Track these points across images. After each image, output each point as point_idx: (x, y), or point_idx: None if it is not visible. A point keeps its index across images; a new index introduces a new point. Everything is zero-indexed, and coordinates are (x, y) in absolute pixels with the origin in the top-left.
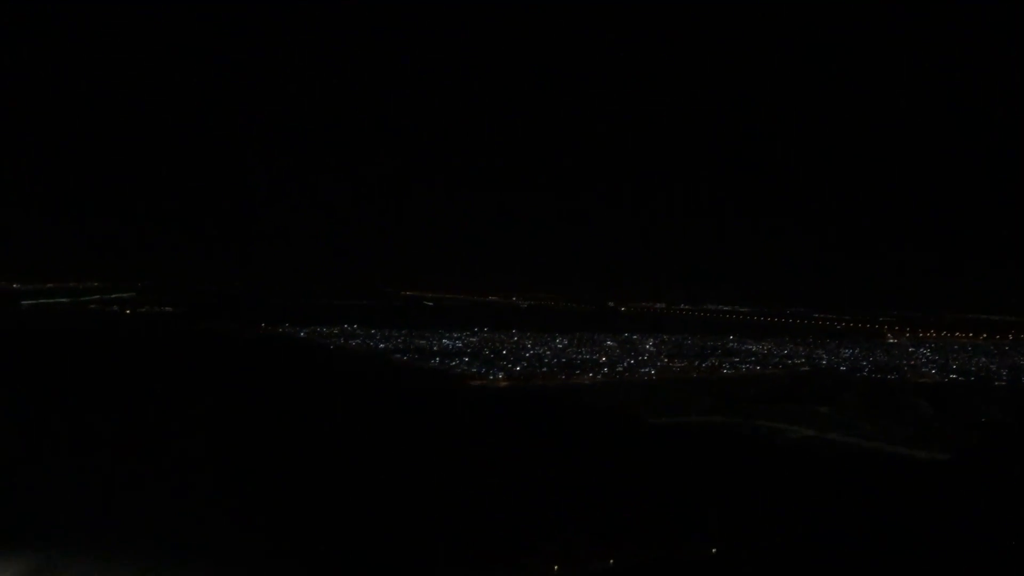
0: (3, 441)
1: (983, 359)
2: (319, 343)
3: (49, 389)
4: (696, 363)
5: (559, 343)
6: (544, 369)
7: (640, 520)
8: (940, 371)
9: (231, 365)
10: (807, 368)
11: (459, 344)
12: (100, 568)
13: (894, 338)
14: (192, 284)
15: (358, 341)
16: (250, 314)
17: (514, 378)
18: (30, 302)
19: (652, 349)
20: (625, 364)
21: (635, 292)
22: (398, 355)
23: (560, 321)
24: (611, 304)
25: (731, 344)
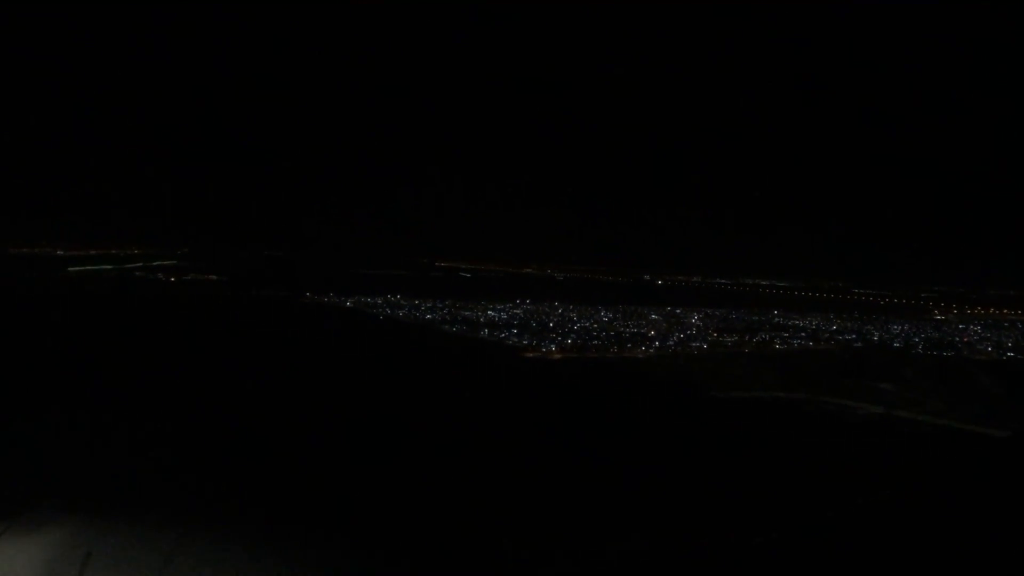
0: (40, 411)
1: None
2: (368, 314)
3: (89, 360)
4: (746, 338)
5: (604, 316)
6: (595, 342)
7: (712, 496)
8: (996, 348)
9: (287, 336)
10: (860, 344)
11: (504, 316)
12: (132, 543)
13: (941, 314)
14: (230, 251)
15: (404, 311)
16: (294, 283)
17: (566, 350)
18: (77, 269)
19: (699, 323)
20: (675, 338)
21: (669, 265)
22: (446, 326)
23: (600, 293)
24: (647, 277)
25: (777, 319)
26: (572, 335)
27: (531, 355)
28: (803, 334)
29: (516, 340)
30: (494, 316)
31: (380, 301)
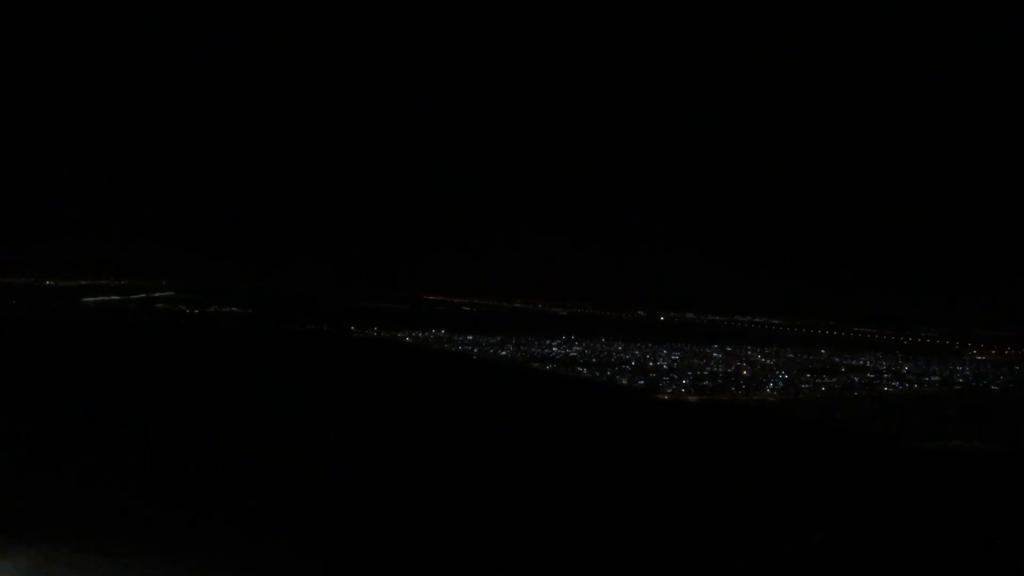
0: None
1: None
2: (455, 351)
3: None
4: (846, 379)
5: (671, 354)
6: (706, 383)
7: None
8: None
9: (386, 374)
10: (959, 387)
11: (572, 353)
12: (105, 564)
13: (981, 356)
14: (228, 284)
15: (476, 349)
16: (326, 316)
17: (695, 393)
18: (92, 299)
19: (768, 362)
20: (781, 379)
21: (657, 300)
22: (535, 364)
23: (622, 330)
24: (642, 313)
25: (836, 359)
26: (674, 374)
27: (665, 397)
28: (887, 376)
29: (626, 380)
30: (560, 352)
31: (431, 335)
